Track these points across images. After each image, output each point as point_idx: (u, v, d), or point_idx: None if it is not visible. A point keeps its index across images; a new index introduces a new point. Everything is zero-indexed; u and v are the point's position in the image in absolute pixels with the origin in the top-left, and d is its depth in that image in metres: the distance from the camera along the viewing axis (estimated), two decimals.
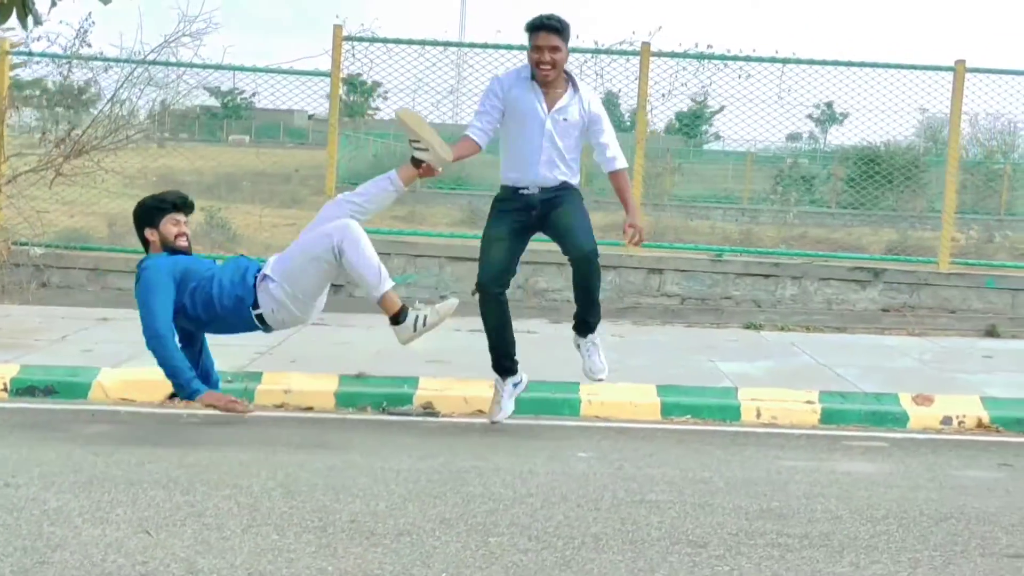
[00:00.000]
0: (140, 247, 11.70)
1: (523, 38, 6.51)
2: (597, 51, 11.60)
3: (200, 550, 4.09)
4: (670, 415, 7.19)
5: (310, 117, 60.65)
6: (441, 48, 11.66)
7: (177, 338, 6.24)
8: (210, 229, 16.88)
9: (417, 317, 6.24)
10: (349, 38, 11.48)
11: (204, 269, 6.28)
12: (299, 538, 4.27)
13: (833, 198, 33.18)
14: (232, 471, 5.30)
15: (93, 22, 11.13)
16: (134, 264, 11.36)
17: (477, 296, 6.66)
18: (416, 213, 27.53)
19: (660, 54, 11.54)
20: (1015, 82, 12.23)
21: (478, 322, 9.14)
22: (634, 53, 11.57)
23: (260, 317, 6.26)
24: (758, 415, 7.21)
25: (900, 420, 7.18)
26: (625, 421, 7.07)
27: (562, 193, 6.54)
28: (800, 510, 4.97)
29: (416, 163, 6.39)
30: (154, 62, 11.41)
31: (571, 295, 10.75)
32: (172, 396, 7.23)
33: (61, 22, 21.42)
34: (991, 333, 10.23)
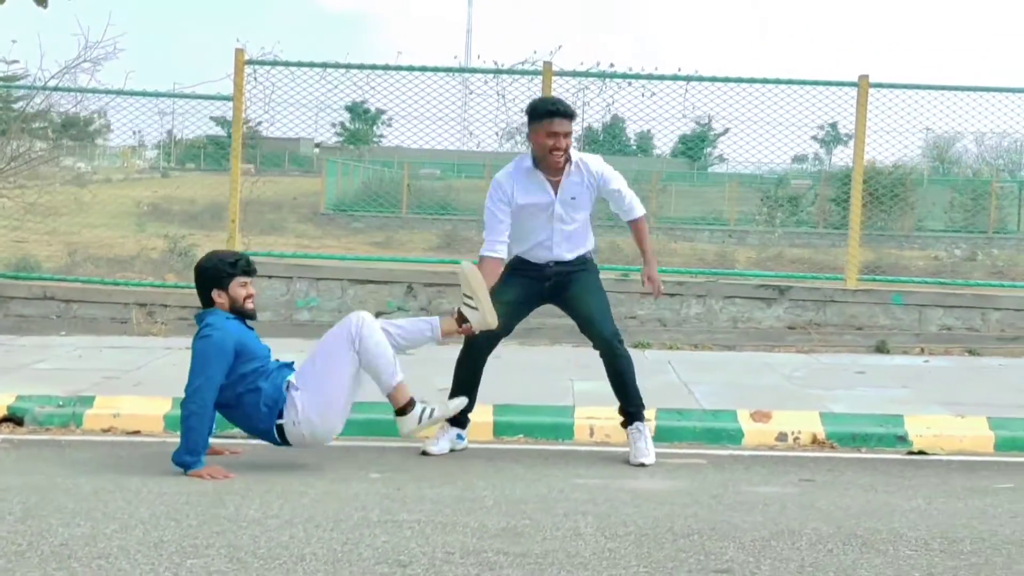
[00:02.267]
0: (40, 274, 11.68)
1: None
2: (498, 71, 11.55)
3: None
4: (503, 435, 7.12)
5: (317, 146, 61.00)
6: (343, 70, 11.61)
7: None
8: (169, 256, 16.96)
9: (424, 410, 6.13)
10: (251, 62, 11.45)
11: (259, 357, 6.02)
12: None
13: (821, 218, 33.09)
14: None
15: None
16: (36, 291, 11.45)
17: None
18: (394, 239, 27.59)
19: (562, 73, 11.47)
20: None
21: None
22: (536, 72, 11.50)
23: (280, 428, 5.97)
24: (591, 433, 7.12)
25: (735, 437, 7.08)
26: None
27: (578, 269, 6.51)
28: (547, 528, 4.87)
29: (460, 319, 6.24)
30: (56, 88, 11.44)
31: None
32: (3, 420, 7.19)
33: None
34: (880, 349, 10.11)
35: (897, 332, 10.97)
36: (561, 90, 11.50)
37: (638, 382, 6.51)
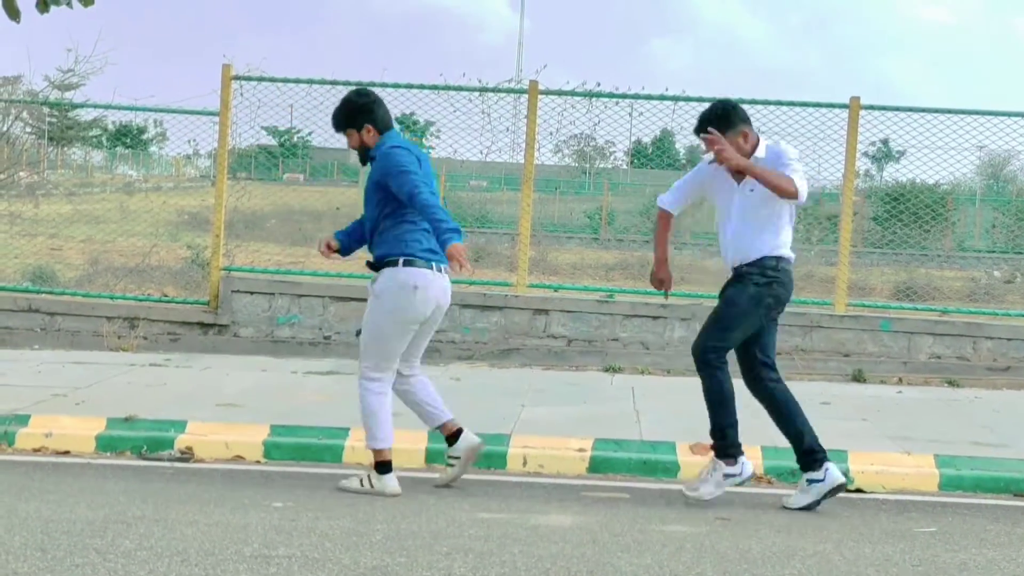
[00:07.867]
0: (24, 285, 11.68)
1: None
2: (484, 89, 11.44)
3: None
4: (434, 463, 6.97)
5: None
6: (328, 86, 11.54)
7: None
8: (188, 267, 16.92)
9: None
10: (238, 77, 11.43)
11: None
12: None
13: (860, 237, 32.57)
14: None
15: None
16: (22, 303, 11.45)
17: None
18: None
19: (548, 92, 11.34)
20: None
21: (310, 364, 9.07)
22: (522, 91, 11.40)
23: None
24: (524, 463, 6.97)
25: (671, 470, 6.90)
26: None
27: (734, 279, 6.21)
28: (420, 567, 4.73)
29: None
30: (44, 102, 11.52)
31: (452, 335, 10.69)
32: None
33: None
34: (857, 378, 9.85)
35: (885, 360, 10.69)
36: (547, 108, 11.39)
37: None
